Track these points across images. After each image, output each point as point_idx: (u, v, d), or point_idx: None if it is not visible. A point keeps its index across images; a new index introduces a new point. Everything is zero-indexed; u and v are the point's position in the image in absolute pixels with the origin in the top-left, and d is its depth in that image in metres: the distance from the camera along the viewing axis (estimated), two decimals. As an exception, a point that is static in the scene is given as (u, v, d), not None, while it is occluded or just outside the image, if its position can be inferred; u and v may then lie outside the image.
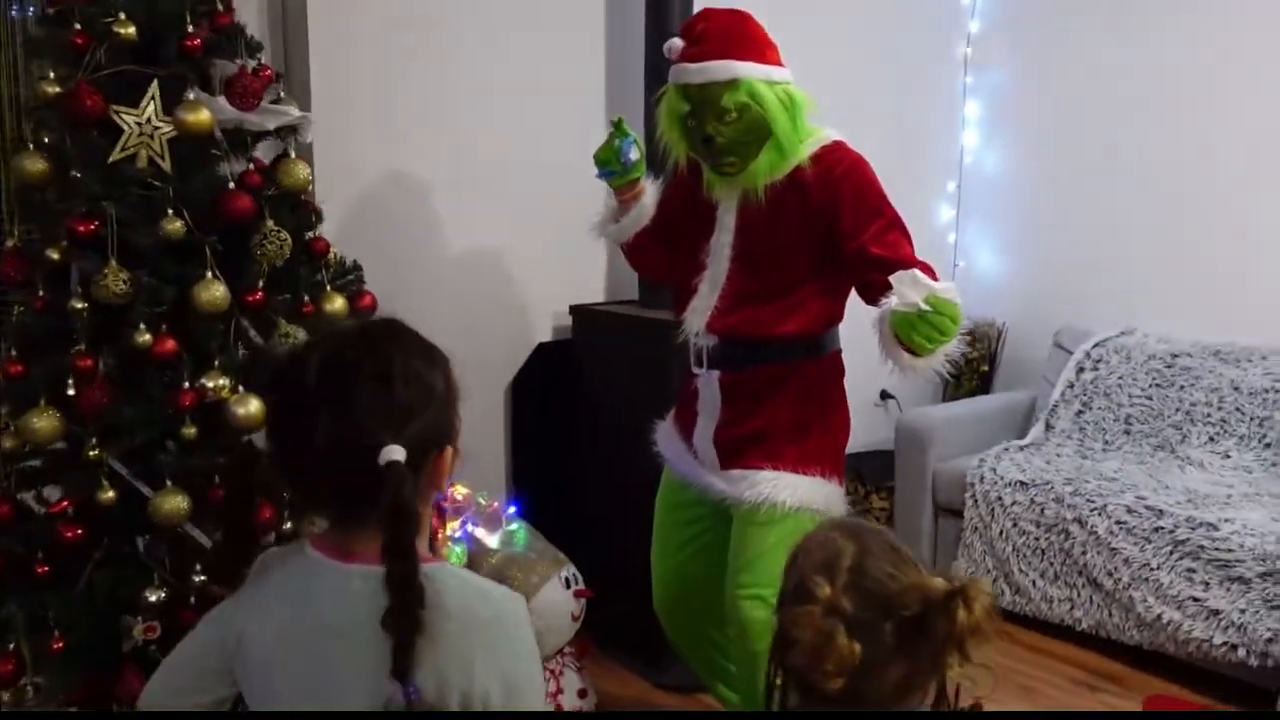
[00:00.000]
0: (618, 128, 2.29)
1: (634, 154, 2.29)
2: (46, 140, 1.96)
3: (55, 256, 1.94)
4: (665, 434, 2.52)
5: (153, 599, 1.89)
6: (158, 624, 1.88)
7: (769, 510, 2.22)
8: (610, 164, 2.31)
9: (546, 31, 3.34)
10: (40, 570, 1.89)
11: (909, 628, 1.21)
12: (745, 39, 2.13)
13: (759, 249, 2.25)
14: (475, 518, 2.62)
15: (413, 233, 3.10)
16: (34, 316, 1.91)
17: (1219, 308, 3.82)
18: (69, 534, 1.87)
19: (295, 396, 1.20)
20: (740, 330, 2.26)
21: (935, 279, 1.92)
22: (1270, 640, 2.83)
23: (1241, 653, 2.89)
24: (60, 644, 1.87)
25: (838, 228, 2.17)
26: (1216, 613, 2.95)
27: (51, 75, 1.92)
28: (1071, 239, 4.20)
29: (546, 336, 3.47)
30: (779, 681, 1.31)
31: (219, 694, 1.30)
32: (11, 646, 1.89)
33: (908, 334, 1.89)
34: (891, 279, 1.87)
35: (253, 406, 1.91)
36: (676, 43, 2.19)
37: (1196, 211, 3.88)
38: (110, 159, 1.89)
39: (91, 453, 1.87)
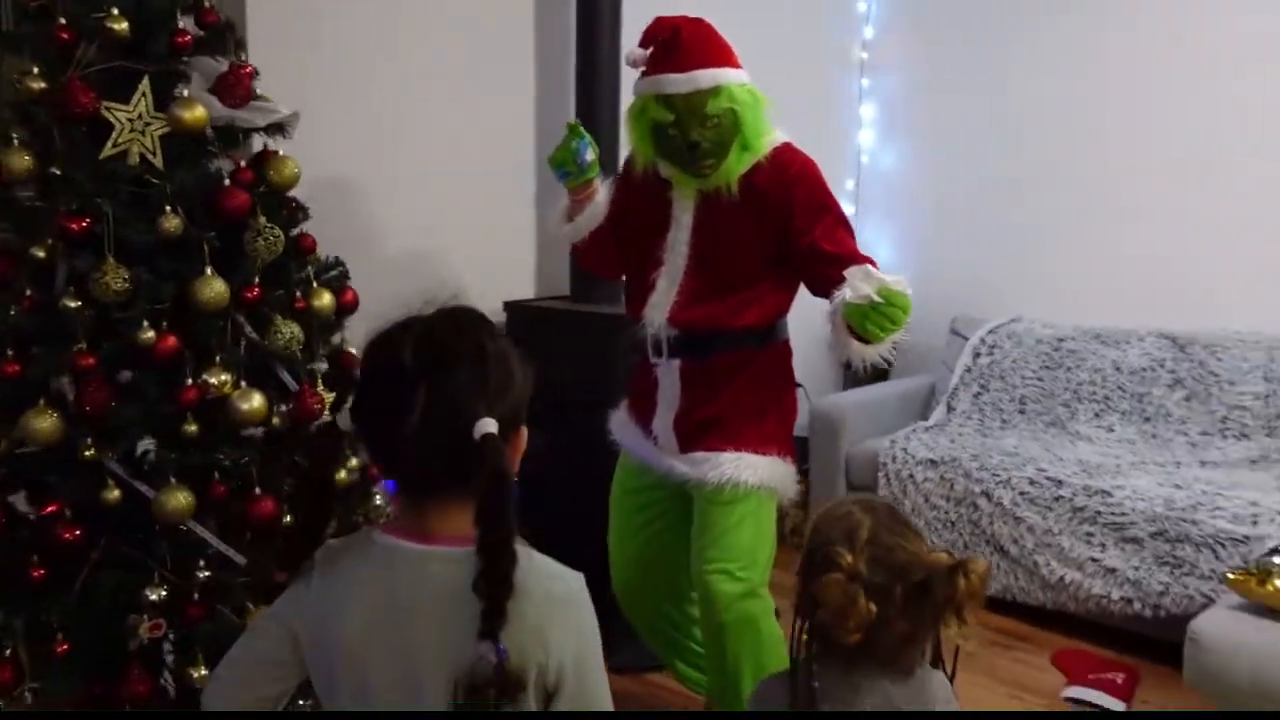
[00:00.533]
0: (573, 130, 2.35)
1: (589, 155, 2.35)
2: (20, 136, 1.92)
3: (41, 255, 1.91)
4: (621, 423, 2.59)
5: (154, 598, 1.88)
6: (163, 621, 1.88)
7: (732, 489, 2.32)
8: (566, 165, 2.36)
9: (475, 32, 3.39)
10: (36, 574, 1.86)
11: (915, 592, 1.42)
12: (719, 47, 2.25)
13: (716, 246, 2.35)
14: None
15: (342, 233, 3.08)
16: (25, 316, 1.87)
17: (1098, 294, 4.16)
18: (67, 536, 1.84)
19: (391, 375, 1.23)
20: (700, 323, 2.35)
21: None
22: (1162, 593, 3.12)
23: (1137, 606, 3.17)
24: (64, 648, 1.85)
25: (791, 225, 2.28)
26: (1113, 571, 3.23)
27: (35, 71, 1.89)
28: (963, 233, 4.49)
29: (478, 332, 3.52)
30: (805, 636, 1.48)
31: (287, 684, 1.34)
32: (9, 653, 1.86)
33: (860, 324, 2.01)
34: (846, 273, 2.01)
35: (255, 401, 1.92)
36: (641, 53, 2.26)
37: (1075, 206, 4.21)
38: (102, 155, 1.88)
39: (88, 452, 1.86)
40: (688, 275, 2.37)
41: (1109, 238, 4.13)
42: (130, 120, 1.90)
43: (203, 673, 1.86)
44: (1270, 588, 2.37)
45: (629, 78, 3.58)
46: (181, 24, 1.97)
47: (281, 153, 2.09)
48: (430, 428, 1.21)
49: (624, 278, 2.58)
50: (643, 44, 2.28)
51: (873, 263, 2.12)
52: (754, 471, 2.34)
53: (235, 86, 1.99)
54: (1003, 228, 4.37)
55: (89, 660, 1.87)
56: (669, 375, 2.42)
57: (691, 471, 2.38)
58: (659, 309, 2.38)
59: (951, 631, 1.45)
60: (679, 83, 2.19)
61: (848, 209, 4.64)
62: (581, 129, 2.36)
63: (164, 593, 1.88)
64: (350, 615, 1.26)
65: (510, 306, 3.52)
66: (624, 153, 3.41)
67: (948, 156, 4.52)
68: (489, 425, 1.20)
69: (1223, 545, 3.00)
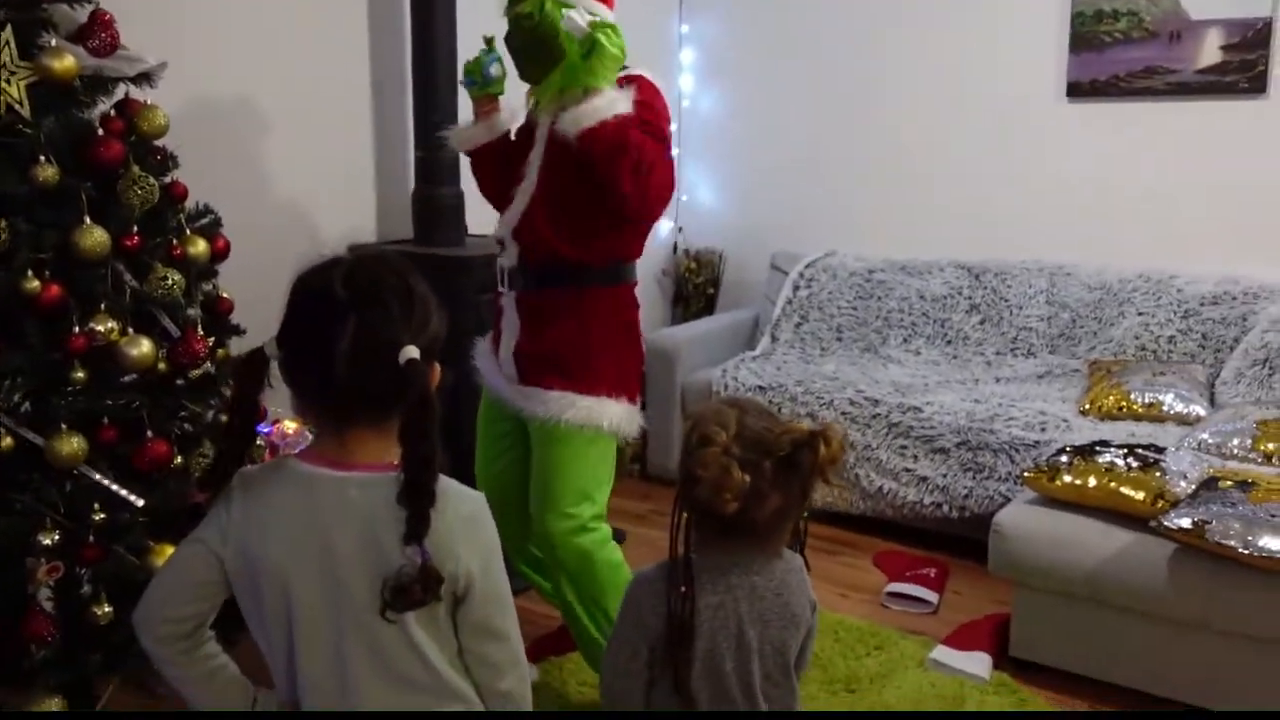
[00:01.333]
0: (489, 44, 2.40)
1: (494, 70, 2.40)
2: None
3: (-93, 207, 1.89)
4: (482, 353, 2.63)
5: (48, 541, 1.92)
6: (60, 564, 1.92)
7: (555, 426, 2.34)
8: (473, 74, 2.42)
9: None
10: (-77, 525, 1.87)
11: (783, 465, 1.57)
12: None
13: (560, 171, 2.32)
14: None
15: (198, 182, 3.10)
16: (-101, 268, 1.86)
17: (903, 228, 4.53)
18: (-43, 486, 1.86)
19: (322, 307, 1.33)
20: (538, 248, 2.36)
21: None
22: (967, 496, 3.50)
23: (945, 509, 3.55)
24: (-41, 594, 1.87)
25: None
26: (924, 479, 3.59)
27: (-110, 19, 1.85)
28: (780, 174, 4.77)
29: (325, 276, 3.56)
30: (685, 516, 1.62)
31: (212, 602, 1.43)
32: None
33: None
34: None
35: (144, 347, 1.97)
36: None
37: (882, 148, 4.56)
38: (-34, 105, 1.87)
39: (-30, 403, 1.87)
40: (535, 197, 2.37)
41: (912, 177, 4.51)
42: (-5, 69, 1.89)
43: (106, 609, 1.92)
44: (1059, 483, 2.73)
45: (466, 41, 3.65)
46: (39, -31, 1.95)
47: (149, 101, 2.10)
48: (358, 354, 1.31)
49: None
50: None
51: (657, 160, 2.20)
52: (577, 411, 2.35)
53: (102, 34, 1.99)
54: (817, 169, 4.69)
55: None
56: (509, 306, 2.44)
57: (525, 405, 2.42)
58: (505, 225, 2.41)
59: (824, 491, 1.64)
60: None
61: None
62: (494, 45, 2.40)
63: (57, 536, 1.92)
64: (272, 537, 1.36)
65: (354, 249, 3.55)
66: (462, 94, 3.48)
67: (764, 101, 4.79)
68: (413, 352, 1.31)
69: (1017, 450, 3.38)
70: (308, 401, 1.41)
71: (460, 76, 2.46)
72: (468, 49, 3.64)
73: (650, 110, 2.25)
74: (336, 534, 1.35)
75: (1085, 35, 4.09)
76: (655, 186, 2.20)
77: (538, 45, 2.19)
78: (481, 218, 3.46)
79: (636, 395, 2.49)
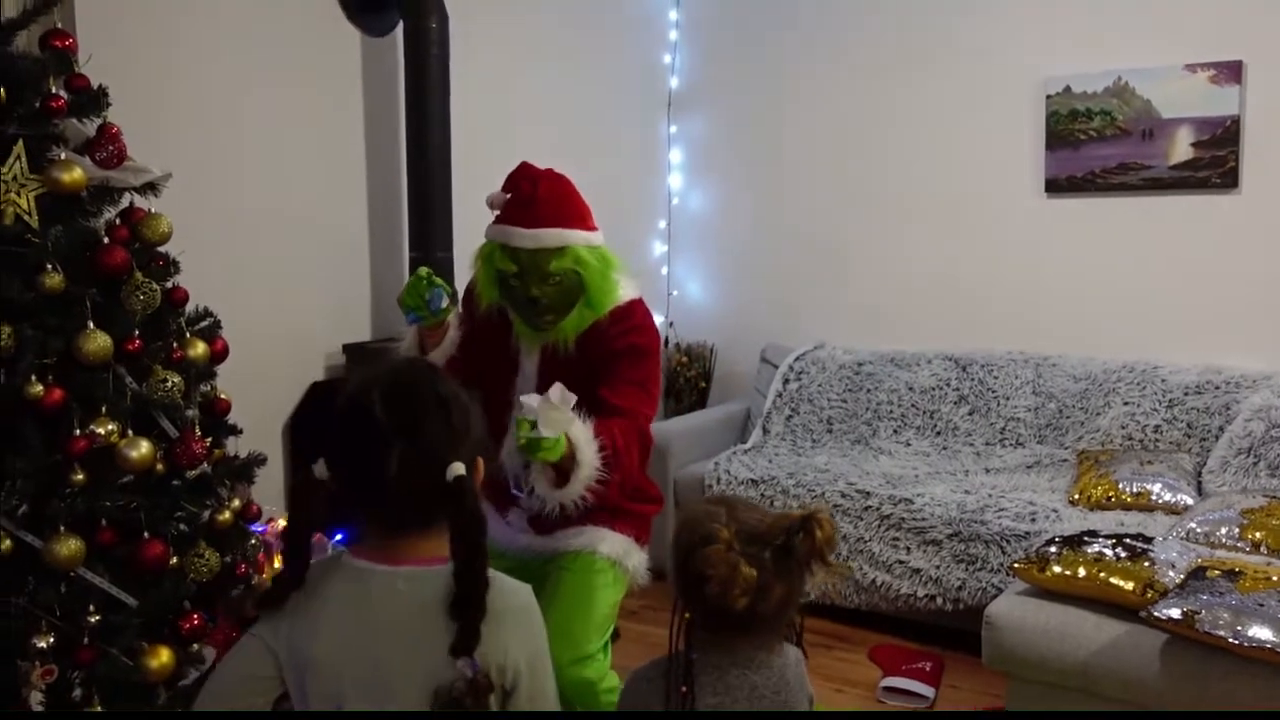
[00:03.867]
0: (428, 279, 2.33)
1: (444, 302, 2.34)
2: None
3: (-88, 313, 1.94)
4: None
5: (42, 644, 1.92)
6: (54, 667, 1.93)
7: (587, 557, 2.33)
8: (419, 310, 2.34)
9: (301, 89, 3.52)
10: (-82, 630, 1.88)
11: (780, 553, 1.60)
12: (574, 207, 2.29)
13: (561, 375, 2.21)
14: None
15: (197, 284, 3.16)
16: (-98, 375, 1.90)
17: (891, 321, 4.62)
18: (-46, 589, 1.88)
19: (368, 433, 1.38)
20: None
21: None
22: (960, 588, 3.51)
23: (939, 601, 3.55)
24: (-48, 699, 1.87)
25: (604, 369, 2.30)
26: (917, 571, 3.60)
27: (-95, 135, 1.93)
28: (768, 267, 4.88)
29: (320, 375, 3.62)
30: (687, 616, 1.64)
31: (268, 696, 1.45)
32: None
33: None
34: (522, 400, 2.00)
35: (143, 449, 2.00)
36: (501, 196, 2.31)
37: (865, 243, 4.67)
38: (-25, 217, 1.93)
39: (-29, 506, 1.89)
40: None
41: (898, 271, 4.62)
42: (5, 182, 1.95)
43: (97, 711, 1.92)
44: (1049, 574, 2.74)
45: (461, 148, 3.77)
46: (53, 88, 2.03)
47: (153, 209, 2.17)
48: (407, 478, 1.37)
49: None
50: (504, 188, 2.33)
51: (633, 425, 2.23)
52: (610, 545, 2.37)
53: (112, 149, 2.06)
54: (805, 263, 4.80)
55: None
56: (529, 504, 2.37)
57: (551, 544, 2.39)
58: (515, 455, 2.27)
59: (820, 578, 1.65)
60: (525, 238, 2.23)
61: (659, 249, 5.05)
62: (435, 278, 2.35)
63: (52, 639, 1.93)
64: (324, 631, 1.40)
65: (349, 349, 3.63)
66: (459, 238, 3.57)
67: (752, 197, 4.92)
68: (459, 469, 1.38)
69: (1008, 541, 3.40)
70: (358, 511, 1.46)
71: (405, 314, 2.37)
72: (462, 156, 3.77)
73: (642, 357, 2.32)
74: (386, 627, 1.39)
75: (1061, 133, 4.23)
76: (640, 457, 2.28)
77: (571, 294, 2.27)
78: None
79: (648, 541, 2.49)
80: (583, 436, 2.07)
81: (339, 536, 2.88)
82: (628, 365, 2.31)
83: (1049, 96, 4.23)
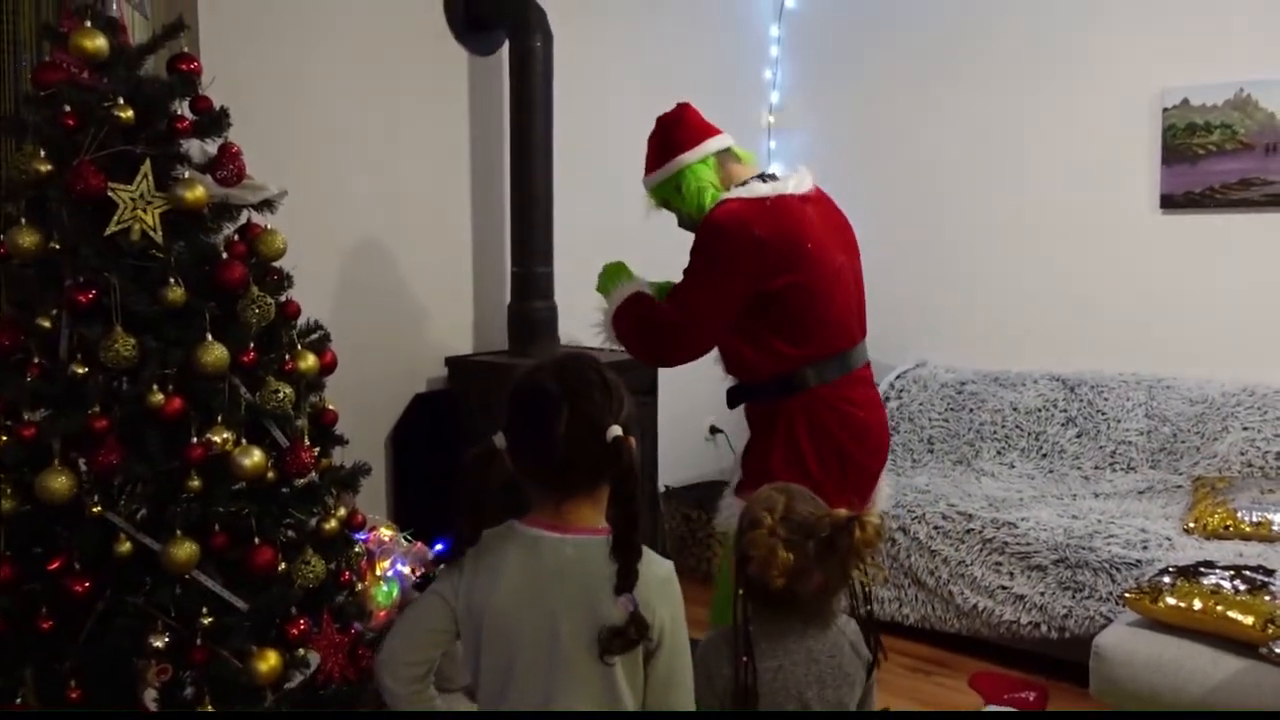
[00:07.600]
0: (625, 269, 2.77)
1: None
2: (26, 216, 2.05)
3: (46, 325, 2.04)
4: None
5: (158, 644, 2.00)
6: (170, 666, 2.00)
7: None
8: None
9: (410, 108, 3.60)
10: (45, 625, 1.97)
11: (823, 545, 1.74)
12: (672, 139, 2.66)
13: None
14: (402, 557, 2.81)
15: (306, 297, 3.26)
16: (36, 382, 1.99)
17: (994, 341, 4.51)
18: (78, 588, 1.96)
19: (541, 399, 1.58)
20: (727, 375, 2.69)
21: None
22: (1066, 616, 3.41)
23: (1044, 629, 3.45)
24: (76, 694, 1.95)
25: None
26: (1021, 597, 3.51)
27: (43, 154, 2.03)
28: (869, 283, 4.76)
29: (422, 388, 3.69)
30: (741, 592, 1.79)
31: (441, 649, 1.67)
32: (19, 701, 1.95)
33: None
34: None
35: (256, 457, 2.07)
36: None
37: (971, 256, 4.59)
38: (106, 231, 2.02)
39: (95, 509, 1.98)
40: None
41: (1004, 288, 4.52)
42: (133, 199, 2.04)
43: (208, 710, 1.98)
44: (1162, 605, 2.66)
45: (563, 165, 3.82)
46: (178, 109, 2.12)
47: (269, 226, 2.25)
48: (573, 435, 1.56)
49: None
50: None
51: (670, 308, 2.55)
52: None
53: (232, 168, 2.15)
54: (907, 278, 4.72)
55: (100, 705, 1.97)
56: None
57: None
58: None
59: (862, 576, 1.81)
60: (648, 182, 2.68)
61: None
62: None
63: (167, 639, 2.00)
64: (502, 584, 1.59)
65: (451, 361, 3.69)
66: (560, 253, 3.74)
67: (853, 211, 4.82)
68: (616, 430, 1.57)
69: (1118, 569, 3.30)
70: (531, 479, 1.64)
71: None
72: (563, 173, 3.82)
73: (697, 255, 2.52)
74: (554, 589, 1.58)
75: (1177, 147, 4.10)
76: (640, 335, 2.63)
77: (691, 204, 2.62)
78: (574, 329, 3.56)
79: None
80: (619, 293, 2.63)
81: (439, 546, 2.92)
82: (693, 247, 2.53)
83: (1165, 109, 4.11)
